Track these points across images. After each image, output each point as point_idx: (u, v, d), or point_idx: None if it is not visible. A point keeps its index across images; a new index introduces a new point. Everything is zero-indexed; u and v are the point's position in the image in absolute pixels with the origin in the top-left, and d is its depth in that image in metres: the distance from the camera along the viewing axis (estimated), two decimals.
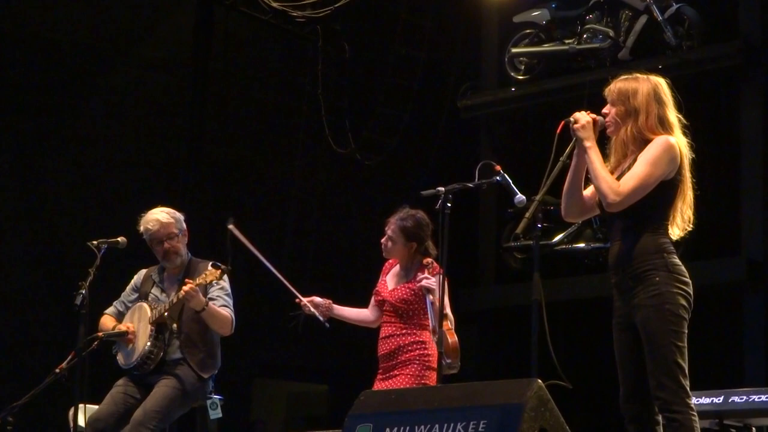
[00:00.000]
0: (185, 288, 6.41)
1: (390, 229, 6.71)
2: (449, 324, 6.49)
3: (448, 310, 6.53)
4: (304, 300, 6.79)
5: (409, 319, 6.65)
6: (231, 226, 6.83)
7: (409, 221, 6.67)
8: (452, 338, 6.44)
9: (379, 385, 6.64)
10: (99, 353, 6.64)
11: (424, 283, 6.49)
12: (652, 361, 4.83)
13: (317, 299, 6.81)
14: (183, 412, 6.66)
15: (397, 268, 6.81)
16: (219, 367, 6.77)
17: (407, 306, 6.65)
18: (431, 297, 6.46)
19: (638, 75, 5.11)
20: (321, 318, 6.78)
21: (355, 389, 5.63)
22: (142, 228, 6.73)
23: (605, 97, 5.14)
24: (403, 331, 6.64)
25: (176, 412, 6.56)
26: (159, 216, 6.70)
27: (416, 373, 6.53)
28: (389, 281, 6.79)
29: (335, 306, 6.87)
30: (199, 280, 6.45)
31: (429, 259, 6.57)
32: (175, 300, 6.52)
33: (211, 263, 6.61)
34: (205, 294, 6.57)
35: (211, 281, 6.51)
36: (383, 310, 6.75)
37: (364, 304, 6.90)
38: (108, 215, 9.94)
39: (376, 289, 6.83)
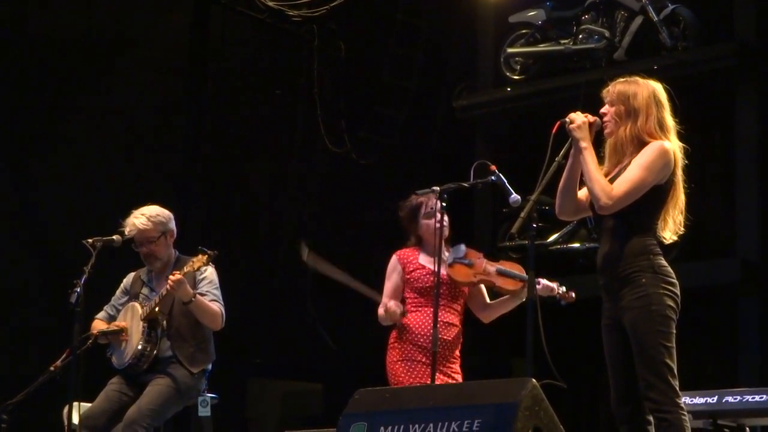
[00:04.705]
0: (171, 278, 6.39)
1: (435, 208, 6.28)
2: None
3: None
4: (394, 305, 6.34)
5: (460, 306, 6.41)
6: (306, 259, 6.72)
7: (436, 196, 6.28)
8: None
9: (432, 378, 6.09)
10: (93, 351, 6.65)
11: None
12: (641, 362, 4.86)
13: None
14: (177, 410, 6.66)
15: (423, 254, 6.44)
16: (212, 362, 6.75)
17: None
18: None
19: (637, 78, 5.13)
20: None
21: (350, 388, 5.63)
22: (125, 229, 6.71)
23: (603, 98, 5.15)
24: (458, 323, 6.37)
25: (170, 410, 6.57)
26: (137, 220, 6.64)
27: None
28: (429, 265, 6.37)
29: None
30: (186, 269, 6.42)
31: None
32: (164, 293, 6.51)
33: (198, 250, 6.57)
34: (194, 287, 6.56)
35: (199, 267, 6.46)
36: (424, 296, 6.33)
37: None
38: (103, 214, 9.90)
39: (418, 272, 6.37)
